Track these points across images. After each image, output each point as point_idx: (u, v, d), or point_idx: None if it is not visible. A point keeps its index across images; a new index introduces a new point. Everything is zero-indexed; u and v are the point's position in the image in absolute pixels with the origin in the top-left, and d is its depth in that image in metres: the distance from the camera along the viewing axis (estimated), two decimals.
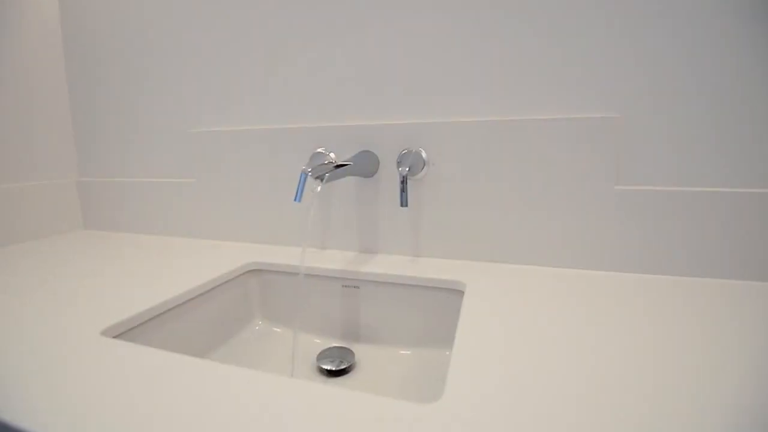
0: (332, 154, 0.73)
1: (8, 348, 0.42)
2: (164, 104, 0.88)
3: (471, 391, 0.33)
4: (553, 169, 0.63)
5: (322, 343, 0.67)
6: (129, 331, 0.50)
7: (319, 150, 0.74)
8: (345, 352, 0.64)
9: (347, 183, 0.74)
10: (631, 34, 0.58)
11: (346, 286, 0.67)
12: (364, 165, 0.68)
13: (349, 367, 0.60)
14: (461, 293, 0.61)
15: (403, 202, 0.63)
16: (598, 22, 0.59)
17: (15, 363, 0.39)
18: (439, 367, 0.58)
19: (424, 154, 0.68)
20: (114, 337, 0.48)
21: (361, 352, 0.64)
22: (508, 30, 0.63)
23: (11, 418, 0.31)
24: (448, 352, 0.60)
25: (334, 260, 0.71)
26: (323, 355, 0.63)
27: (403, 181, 0.63)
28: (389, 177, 0.71)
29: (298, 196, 0.68)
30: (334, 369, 0.60)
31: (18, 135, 0.89)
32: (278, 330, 0.71)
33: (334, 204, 0.76)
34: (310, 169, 0.68)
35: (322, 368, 0.60)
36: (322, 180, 0.53)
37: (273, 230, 0.81)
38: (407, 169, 0.64)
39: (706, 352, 0.39)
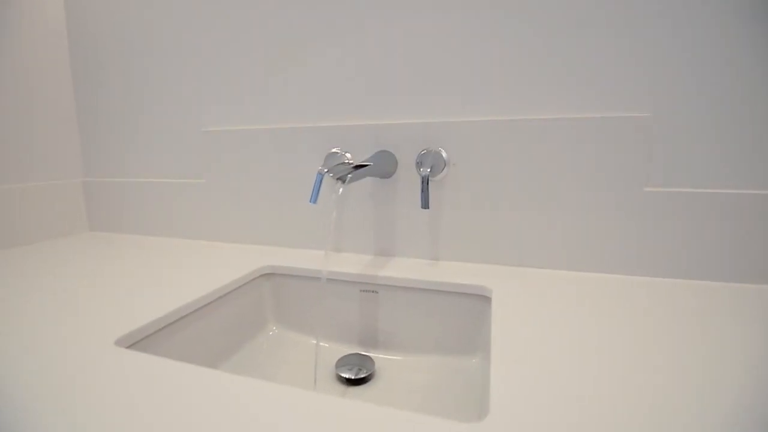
0: (348, 155, 0.71)
1: (19, 360, 0.39)
2: (173, 103, 0.85)
3: (519, 407, 0.31)
4: (579, 169, 0.61)
5: (339, 349, 0.65)
6: (143, 340, 0.47)
7: (334, 150, 0.72)
8: (364, 360, 0.62)
9: (363, 184, 0.72)
10: (662, 31, 0.56)
11: (364, 291, 0.65)
12: (383, 165, 0.65)
13: (369, 375, 0.58)
14: (486, 299, 0.58)
15: (424, 204, 0.60)
16: (628, 18, 0.57)
17: (26, 378, 0.36)
18: (464, 375, 0.56)
19: (444, 155, 0.65)
20: (128, 346, 0.45)
21: (381, 359, 0.62)
22: (534, 26, 0.61)
23: None
24: (474, 360, 0.58)
25: (350, 263, 0.68)
26: (342, 363, 0.61)
27: (425, 182, 0.61)
28: (407, 178, 0.69)
29: (314, 198, 0.65)
30: (353, 378, 0.58)
31: (22, 135, 0.86)
32: (293, 336, 0.68)
33: (349, 205, 0.73)
34: (326, 170, 0.66)
35: (341, 376, 0.58)
36: (344, 181, 0.50)
37: (286, 232, 0.79)
38: (428, 169, 0.61)
39: (754, 359, 0.36)
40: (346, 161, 0.70)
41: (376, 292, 0.64)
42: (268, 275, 0.70)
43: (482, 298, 0.59)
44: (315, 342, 0.66)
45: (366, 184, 0.72)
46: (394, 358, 0.62)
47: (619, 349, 0.40)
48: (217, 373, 0.37)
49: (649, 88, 0.58)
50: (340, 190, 0.52)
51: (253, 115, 0.79)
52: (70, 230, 0.95)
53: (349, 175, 0.51)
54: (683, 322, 0.45)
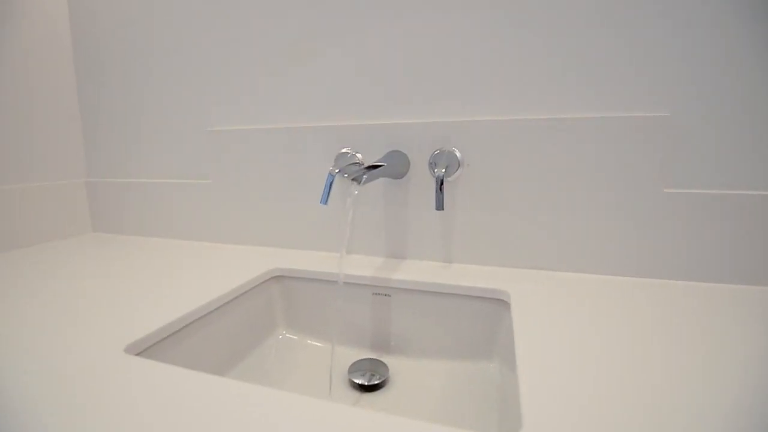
0: (359, 155, 0.70)
1: (25, 370, 0.38)
2: (178, 102, 0.84)
3: (553, 419, 0.29)
4: (597, 170, 0.59)
5: (351, 354, 0.63)
6: (152, 347, 0.46)
7: (345, 150, 0.70)
8: (377, 365, 0.60)
9: (374, 184, 0.70)
10: (682, 28, 0.54)
11: (376, 294, 0.64)
12: (395, 166, 0.64)
13: (382, 381, 0.57)
14: (503, 303, 0.57)
15: (439, 206, 0.59)
16: (646, 14, 0.56)
17: (33, 389, 0.35)
18: (481, 381, 0.55)
19: (458, 155, 0.64)
20: (137, 354, 0.44)
21: (394, 364, 0.60)
22: (551, 24, 0.59)
23: None
24: (492, 364, 0.57)
25: (362, 266, 0.67)
26: (354, 368, 0.59)
27: (440, 183, 0.59)
28: (420, 178, 0.67)
29: (325, 199, 0.64)
30: (366, 384, 0.56)
31: (24, 134, 0.84)
32: (303, 340, 0.67)
33: (360, 206, 0.72)
34: (337, 170, 0.65)
35: (354, 382, 0.56)
36: (359, 182, 0.49)
37: (294, 234, 0.77)
38: (444, 170, 0.60)
39: None
40: (358, 161, 0.69)
41: (389, 296, 0.63)
42: (277, 278, 0.69)
43: (499, 302, 0.57)
44: (329, 347, 0.64)
45: (377, 184, 0.70)
46: (408, 363, 0.61)
47: (648, 354, 0.38)
48: (230, 382, 0.35)
49: (668, 87, 0.56)
50: (356, 191, 0.50)
51: (260, 114, 0.77)
52: (72, 231, 0.93)
53: (365, 176, 0.49)
54: (714, 327, 0.44)
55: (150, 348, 0.46)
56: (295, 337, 0.67)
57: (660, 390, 0.33)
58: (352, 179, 0.49)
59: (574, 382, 0.34)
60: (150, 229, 0.90)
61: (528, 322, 0.46)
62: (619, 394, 0.33)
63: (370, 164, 0.56)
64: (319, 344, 0.66)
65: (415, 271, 0.64)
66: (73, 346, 0.42)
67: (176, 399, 0.33)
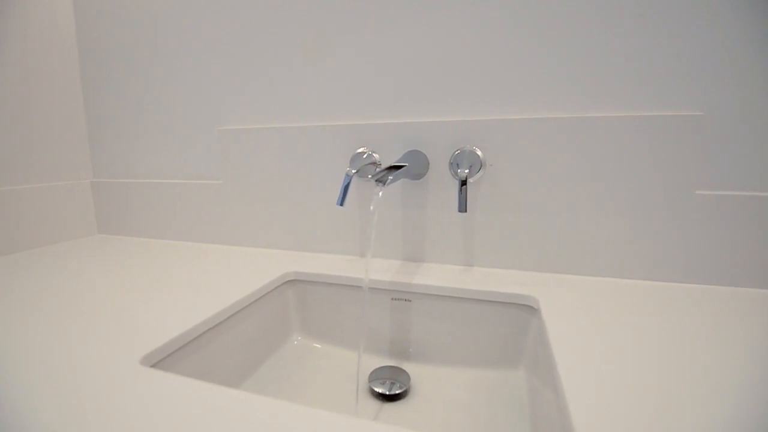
0: (376, 155, 0.67)
1: (38, 386, 0.35)
2: (188, 100, 0.81)
3: None
4: (627, 171, 0.57)
5: (371, 361, 0.61)
6: (168, 357, 0.44)
7: (361, 150, 0.68)
8: (398, 373, 0.58)
9: (391, 185, 0.68)
10: (716, 23, 0.52)
11: (396, 299, 0.61)
12: (414, 166, 0.61)
13: (404, 391, 0.54)
14: (531, 309, 0.55)
15: (462, 208, 0.57)
16: (678, 8, 0.53)
17: (44, 402, 0.32)
18: (509, 390, 0.52)
19: (480, 155, 0.62)
20: (153, 365, 0.41)
21: (416, 372, 0.58)
22: (576, 18, 0.57)
23: None
24: (518, 373, 0.54)
25: (380, 270, 0.65)
26: (374, 376, 0.57)
27: (463, 184, 0.57)
28: (439, 179, 0.65)
29: (342, 200, 0.62)
30: (388, 393, 0.54)
31: (27, 134, 0.82)
32: (319, 346, 0.65)
33: (377, 208, 0.70)
34: (355, 171, 0.62)
35: (374, 391, 0.54)
36: (384, 183, 0.47)
37: (309, 236, 0.75)
38: (467, 170, 0.58)
39: None
40: (374, 162, 0.67)
41: (409, 301, 0.61)
42: (292, 282, 0.66)
43: (526, 309, 0.55)
44: (347, 353, 0.62)
45: (395, 185, 0.68)
46: (430, 370, 0.59)
47: (694, 363, 0.36)
48: (255, 397, 0.33)
49: (702, 84, 0.54)
50: (380, 192, 0.48)
51: (273, 113, 0.75)
52: (78, 233, 0.91)
53: (390, 177, 0.47)
54: (759, 333, 0.42)
55: (166, 358, 0.43)
56: (310, 343, 0.65)
57: (712, 402, 0.31)
58: (376, 180, 0.47)
59: (621, 395, 0.32)
60: (158, 230, 0.88)
61: (563, 331, 0.44)
62: (674, 409, 0.30)
63: (392, 164, 0.53)
64: (336, 350, 0.63)
65: (436, 276, 0.61)
66: (87, 358, 0.39)
67: (199, 415, 0.30)
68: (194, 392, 0.34)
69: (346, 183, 0.63)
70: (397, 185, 0.68)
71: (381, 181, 0.47)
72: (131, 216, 0.91)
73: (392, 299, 0.61)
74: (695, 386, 0.34)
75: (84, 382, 0.35)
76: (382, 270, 0.65)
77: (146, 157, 0.88)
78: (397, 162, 0.55)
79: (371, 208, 0.55)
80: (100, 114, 0.91)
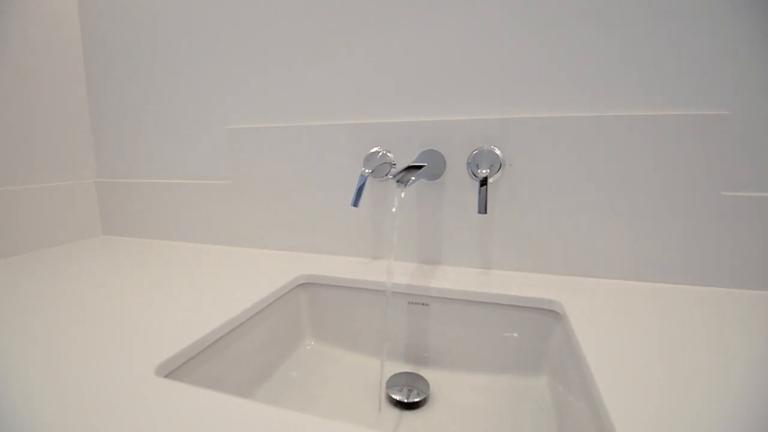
0: (391, 154, 0.65)
1: (48, 398, 0.34)
2: (197, 99, 0.79)
3: None
4: (649, 171, 0.55)
5: (387, 367, 0.59)
6: (182, 366, 0.42)
7: (375, 149, 0.66)
8: (416, 379, 0.56)
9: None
10: (744, 22, 0.50)
11: (412, 303, 0.60)
12: (432, 166, 0.60)
13: (424, 399, 0.53)
14: (554, 314, 0.53)
15: (482, 209, 0.55)
16: (707, 6, 0.51)
17: (57, 422, 0.31)
18: (533, 398, 0.51)
19: (499, 154, 0.60)
20: (167, 375, 0.40)
21: (434, 378, 0.57)
22: (598, 13, 0.55)
23: None
24: (541, 379, 0.53)
25: (395, 273, 0.63)
26: (392, 383, 0.55)
27: (483, 185, 0.55)
28: (456, 179, 0.63)
29: (356, 201, 0.60)
30: (406, 401, 0.52)
31: (30, 133, 0.80)
32: (332, 351, 0.63)
33: (389, 209, 0.68)
34: (370, 171, 0.61)
35: (393, 399, 0.53)
36: (406, 184, 0.45)
37: (320, 238, 0.73)
38: (487, 171, 0.56)
39: None
40: (389, 161, 0.65)
41: (427, 305, 0.59)
42: (304, 285, 0.65)
43: (549, 313, 0.53)
44: (363, 359, 0.60)
45: (410, 186, 0.66)
46: (449, 377, 0.57)
47: (735, 371, 0.34)
48: (270, 409, 0.31)
49: (728, 83, 0.52)
50: (402, 194, 0.46)
51: (284, 111, 0.73)
52: (82, 234, 0.89)
53: (413, 178, 0.45)
54: None
55: (180, 367, 0.42)
56: (324, 348, 0.63)
57: (756, 404, 0.29)
58: (398, 181, 0.45)
59: (668, 407, 0.30)
60: (164, 232, 0.86)
61: (593, 337, 0.42)
62: (725, 421, 0.29)
63: (411, 164, 0.52)
64: (351, 355, 0.62)
65: (454, 279, 0.60)
66: (99, 367, 0.38)
67: (217, 429, 0.29)
68: (211, 404, 0.32)
69: (360, 183, 0.61)
70: (412, 186, 0.66)
71: (402, 182, 0.45)
72: (136, 217, 0.89)
73: (409, 303, 0.60)
74: (741, 396, 0.32)
75: (97, 394, 0.33)
76: (398, 273, 0.63)
77: (152, 157, 0.86)
78: (415, 162, 0.54)
79: (393, 209, 0.53)
80: (105, 112, 0.89)
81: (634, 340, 0.42)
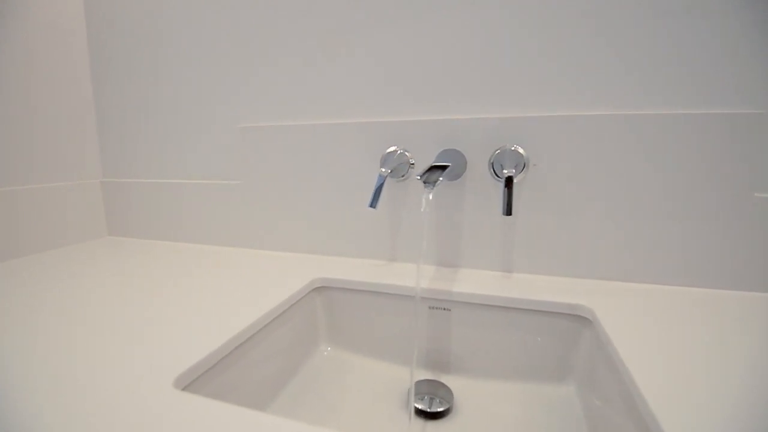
0: (408, 154, 0.63)
1: (58, 410, 0.31)
2: (207, 97, 0.77)
3: None
4: (679, 172, 0.53)
5: (407, 374, 0.57)
6: (199, 378, 0.40)
7: (392, 149, 0.64)
8: (438, 387, 0.54)
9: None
10: None
11: (433, 308, 0.58)
12: (454, 167, 0.58)
13: (448, 408, 0.51)
14: (581, 319, 0.51)
15: (506, 210, 0.53)
16: (736, 2, 0.49)
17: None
18: (561, 408, 0.49)
19: (523, 154, 0.58)
20: (185, 387, 0.38)
21: (458, 386, 0.55)
22: (626, 9, 0.53)
23: None
24: (569, 387, 0.51)
25: (414, 276, 0.61)
26: (414, 391, 0.53)
27: (507, 185, 0.53)
28: (477, 179, 0.61)
29: (374, 202, 0.58)
30: (429, 410, 0.50)
31: (34, 132, 0.78)
32: (349, 357, 0.61)
33: (406, 209, 0.66)
34: (389, 171, 0.59)
35: (415, 407, 0.51)
36: (433, 185, 0.43)
37: (333, 239, 0.71)
38: (512, 171, 0.54)
39: None
40: (407, 161, 0.63)
41: (449, 310, 0.57)
42: (320, 289, 0.63)
43: (577, 319, 0.51)
44: (382, 365, 0.58)
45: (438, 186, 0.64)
46: (473, 385, 0.55)
47: None
48: (296, 425, 0.29)
49: (762, 81, 0.50)
50: (430, 195, 0.44)
51: (296, 109, 0.71)
52: (87, 235, 0.87)
53: (441, 178, 0.43)
54: None
55: (197, 379, 0.40)
56: (341, 354, 0.61)
57: None
58: (424, 182, 0.43)
59: (722, 421, 0.29)
60: (172, 233, 0.84)
61: (634, 346, 0.40)
62: None
63: (434, 164, 0.49)
64: (369, 362, 0.60)
65: (475, 282, 0.58)
66: (113, 378, 0.36)
67: None
68: (231, 419, 0.30)
69: (379, 184, 0.59)
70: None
71: (429, 182, 0.43)
72: (143, 218, 0.86)
73: (430, 308, 0.58)
74: None
75: (115, 409, 0.31)
76: (416, 276, 0.61)
77: (159, 156, 0.84)
78: (440, 162, 0.51)
79: (422, 211, 0.51)
80: (111, 111, 0.87)
81: (678, 348, 0.40)
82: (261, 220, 0.76)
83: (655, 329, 0.44)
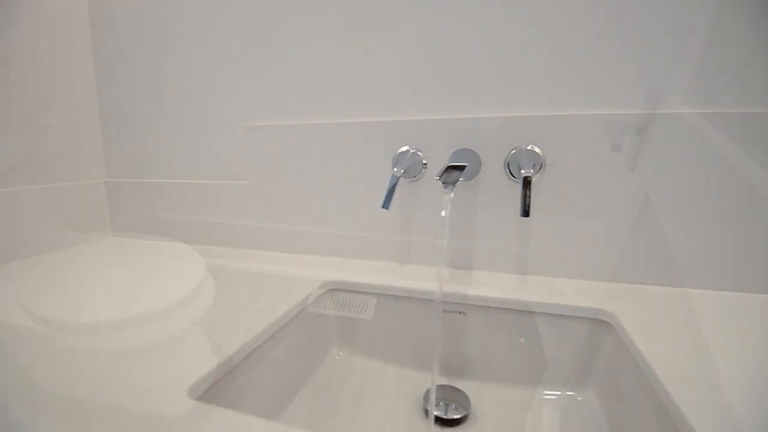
0: (421, 153, 0.62)
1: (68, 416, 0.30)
2: (213, 95, 0.75)
3: None
4: (706, 172, 0.52)
5: (423, 379, 0.56)
6: (214, 386, 0.39)
7: (404, 148, 0.63)
8: (454, 393, 0.53)
9: (437, 185, 0.62)
10: None
11: (448, 312, 0.56)
12: (470, 167, 0.56)
13: (465, 414, 0.49)
14: (601, 323, 0.50)
15: (524, 211, 0.51)
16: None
17: None
18: (582, 415, 0.48)
19: (541, 153, 0.56)
20: (200, 396, 0.36)
21: (474, 392, 0.53)
22: (650, 4, 0.51)
23: None
24: (588, 393, 0.50)
25: (427, 278, 0.59)
26: (429, 397, 0.52)
27: (525, 186, 0.52)
28: (491, 179, 0.60)
29: (387, 203, 0.57)
30: (445, 417, 0.49)
31: (37, 132, 0.76)
32: (362, 361, 0.60)
33: (418, 210, 0.64)
34: (402, 171, 0.57)
35: (429, 413, 0.49)
36: (453, 186, 0.41)
37: (343, 241, 0.70)
38: (530, 171, 0.52)
39: None
40: (420, 161, 0.61)
41: (464, 314, 0.56)
42: (331, 291, 0.61)
43: (597, 323, 0.50)
44: (396, 370, 0.57)
45: (439, 186, 0.62)
46: (489, 390, 0.54)
47: None
48: None
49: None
50: (452, 195, 0.43)
51: (306, 108, 0.69)
52: (91, 236, 0.85)
53: (461, 179, 0.42)
54: None
55: (212, 387, 0.38)
56: (353, 359, 0.60)
57: None
58: (444, 183, 0.42)
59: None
60: (177, 234, 0.83)
61: (664, 353, 0.39)
62: None
63: (451, 164, 0.48)
64: (382, 366, 0.58)
65: (492, 285, 0.56)
66: (131, 390, 0.34)
67: None
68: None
69: (392, 185, 0.58)
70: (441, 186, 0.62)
71: (449, 182, 0.42)
72: (147, 218, 0.85)
73: (445, 311, 0.56)
74: None
75: (131, 421, 0.30)
76: (430, 278, 0.59)
77: (164, 156, 0.82)
78: (456, 163, 0.50)
79: (443, 213, 0.50)
80: (115, 110, 0.85)
81: (705, 353, 0.38)
82: (269, 221, 0.74)
83: (680, 334, 0.42)
